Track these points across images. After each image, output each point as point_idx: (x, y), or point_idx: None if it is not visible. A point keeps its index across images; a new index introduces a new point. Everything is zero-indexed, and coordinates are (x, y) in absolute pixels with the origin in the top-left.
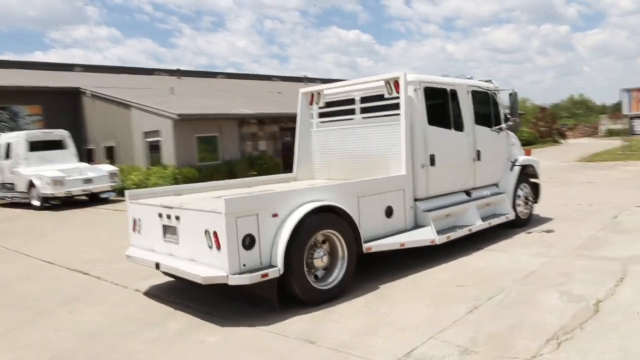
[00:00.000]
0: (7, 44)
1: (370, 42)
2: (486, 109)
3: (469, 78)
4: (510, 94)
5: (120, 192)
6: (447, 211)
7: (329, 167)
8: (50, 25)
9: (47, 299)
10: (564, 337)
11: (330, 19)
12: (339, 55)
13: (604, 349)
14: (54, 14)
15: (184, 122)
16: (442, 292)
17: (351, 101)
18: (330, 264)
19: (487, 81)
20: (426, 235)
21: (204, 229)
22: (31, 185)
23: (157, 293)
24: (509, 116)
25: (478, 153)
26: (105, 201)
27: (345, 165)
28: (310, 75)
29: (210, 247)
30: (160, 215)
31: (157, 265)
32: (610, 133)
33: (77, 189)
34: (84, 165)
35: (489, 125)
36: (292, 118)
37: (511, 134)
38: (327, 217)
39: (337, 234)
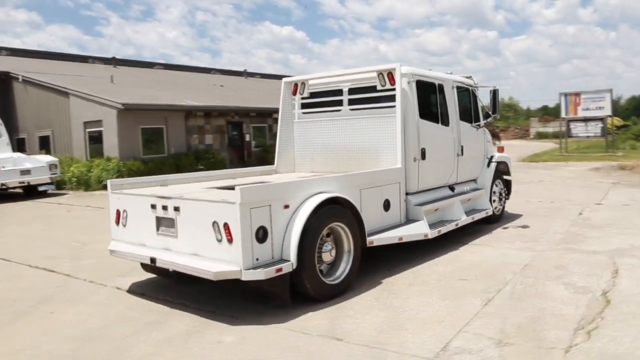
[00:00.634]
0: None
1: (303, 39)
2: (467, 105)
3: (449, 73)
4: (492, 91)
5: (59, 185)
6: (436, 205)
7: (312, 160)
8: None
9: (19, 299)
10: (590, 327)
11: (264, 14)
12: (272, 51)
13: (635, 336)
14: None
15: (128, 112)
16: (447, 285)
17: (338, 92)
18: (335, 258)
19: (467, 77)
20: (420, 230)
21: (211, 221)
22: None
23: (142, 291)
24: (490, 112)
25: (461, 148)
26: (44, 194)
27: (331, 158)
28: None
29: (219, 240)
30: (153, 207)
31: (153, 261)
32: (540, 136)
33: (13, 181)
34: (20, 155)
35: (470, 122)
36: (239, 112)
37: (486, 130)
38: (335, 209)
39: (344, 226)
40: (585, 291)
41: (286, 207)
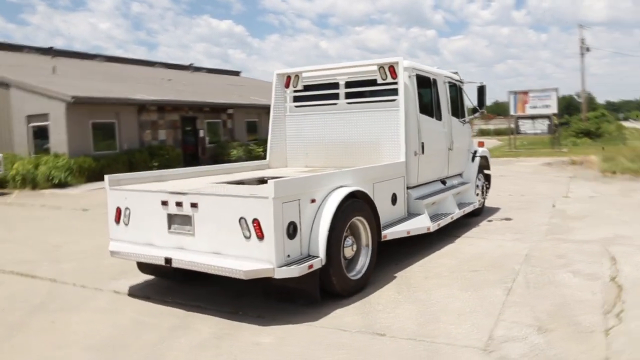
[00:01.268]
0: None
1: (243, 34)
2: (456, 100)
3: (437, 68)
4: (479, 87)
5: (0, 183)
6: (434, 199)
7: (306, 154)
8: None
9: (7, 309)
10: (616, 310)
11: (203, 7)
12: (210, 45)
13: None
14: None
15: (78, 105)
16: (461, 277)
17: (334, 85)
18: (354, 253)
19: (454, 73)
20: (423, 223)
21: (237, 217)
22: None
23: (145, 294)
24: (477, 108)
25: (452, 143)
26: None
27: (326, 152)
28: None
29: (248, 237)
30: (164, 203)
31: (168, 261)
32: (482, 133)
33: None
34: None
35: (458, 116)
36: (193, 107)
37: (469, 125)
38: (356, 203)
39: (363, 220)
40: (594, 278)
41: (313, 201)
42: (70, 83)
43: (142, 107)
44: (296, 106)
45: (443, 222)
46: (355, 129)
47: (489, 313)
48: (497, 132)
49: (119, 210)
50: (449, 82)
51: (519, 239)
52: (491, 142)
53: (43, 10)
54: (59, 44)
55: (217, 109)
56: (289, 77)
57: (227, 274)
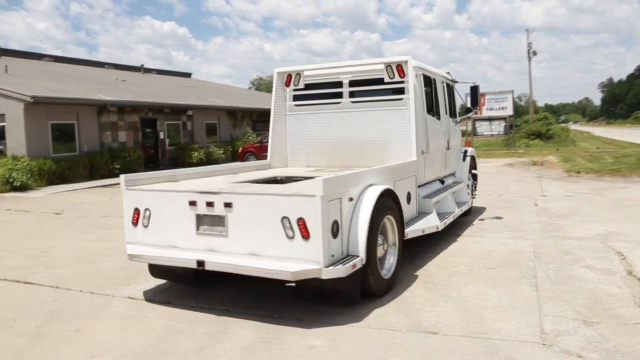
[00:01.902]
0: None
1: (186, 35)
2: (450, 99)
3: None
4: (472, 87)
5: None
6: (438, 198)
7: (308, 154)
8: None
9: (19, 318)
10: None
11: (145, 8)
12: (153, 47)
13: None
14: None
15: (37, 106)
16: (482, 274)
17: (337, 84)
18: (384, 252)
19: (447, 73)
20: (434, 222)
21: (279, 217)
22: None
23: (165, 299)
24: (471, 107)
25: (448, 142)
26: None
27: (329, 152)
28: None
29: (291, 237)
30: (192, 204)
31: (201, 264)
32: None
33: None
34: None
35: (451, 116)
36: (153, 108)
37: (459, 125)
38: (387, 201)
39: (392, 219)
40: (609, 272)
41: (350, 199)
42: (25, 82)
43: (102, 108)
44: (297, 105)
45: (447, 220)
46: (360, 128)
47: (528, 309)
48: None
49: (137, 212)
50: (445, 82)
51: (519, 237)
52: None
53: None
54: None
55: (177, 111)
56: (289, 76)
57: (271, 276)
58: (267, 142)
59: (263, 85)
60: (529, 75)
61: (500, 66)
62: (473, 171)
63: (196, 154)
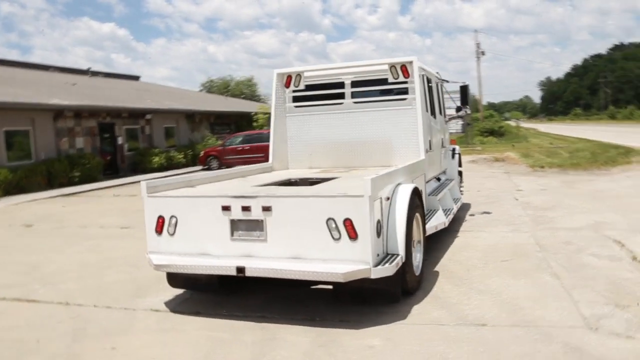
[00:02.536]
0: None
1: (127, 37)
2: (441, 99)
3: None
4: (462, 86)
5: None
6: (440, 195)
7: (310, 155)
8: None
9: (42, 339)
10: None
11: (82, 9)
12: (91, 49)
13: None
14: None
15: None
16: (499, 267)
17: (339, 85)
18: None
19: (437, 73)
20: (441, 219)
21: (324, 218)
22: None
23: (192, 310)
24: (461, 106)
25: (443, 140)
26: None
27: (333, 153)
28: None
29: (337, 238)
30: (225, 209)
31: (241, 270)
32: None
33: None
34: None
35: (443, 115)
36: (111, 112)
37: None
38: (415, 199)
39: (418, 217)
40: (616, 259)
41: (387, 198)
42: None
43: (58, 113)
44: (297, 106)
45: (450, 216)
46: (364, 128)
47: (559, 296)
48: None
49: (161, 220)
50: (438, 82)
51: (515, 230)
52: None
53: None
54: None
55: (135, 115)
56: (289, 77)
57: (319, 279)
58: (229, 145)
59: (214, 88)
60: (477, 74)
61: (444, 66)
62: (459, 169)
63: (157, 158)
